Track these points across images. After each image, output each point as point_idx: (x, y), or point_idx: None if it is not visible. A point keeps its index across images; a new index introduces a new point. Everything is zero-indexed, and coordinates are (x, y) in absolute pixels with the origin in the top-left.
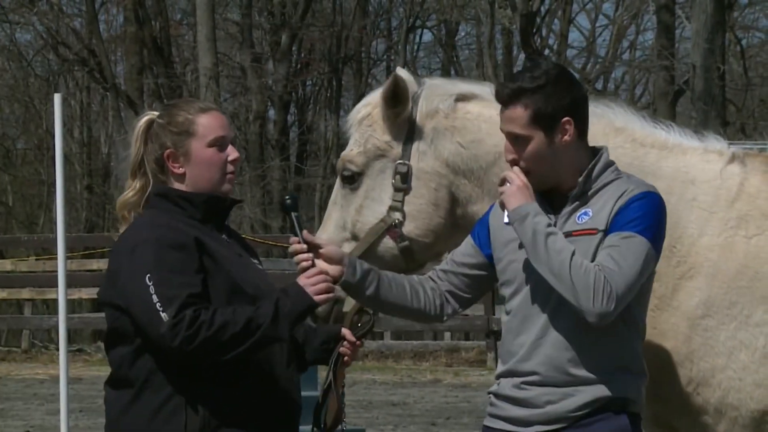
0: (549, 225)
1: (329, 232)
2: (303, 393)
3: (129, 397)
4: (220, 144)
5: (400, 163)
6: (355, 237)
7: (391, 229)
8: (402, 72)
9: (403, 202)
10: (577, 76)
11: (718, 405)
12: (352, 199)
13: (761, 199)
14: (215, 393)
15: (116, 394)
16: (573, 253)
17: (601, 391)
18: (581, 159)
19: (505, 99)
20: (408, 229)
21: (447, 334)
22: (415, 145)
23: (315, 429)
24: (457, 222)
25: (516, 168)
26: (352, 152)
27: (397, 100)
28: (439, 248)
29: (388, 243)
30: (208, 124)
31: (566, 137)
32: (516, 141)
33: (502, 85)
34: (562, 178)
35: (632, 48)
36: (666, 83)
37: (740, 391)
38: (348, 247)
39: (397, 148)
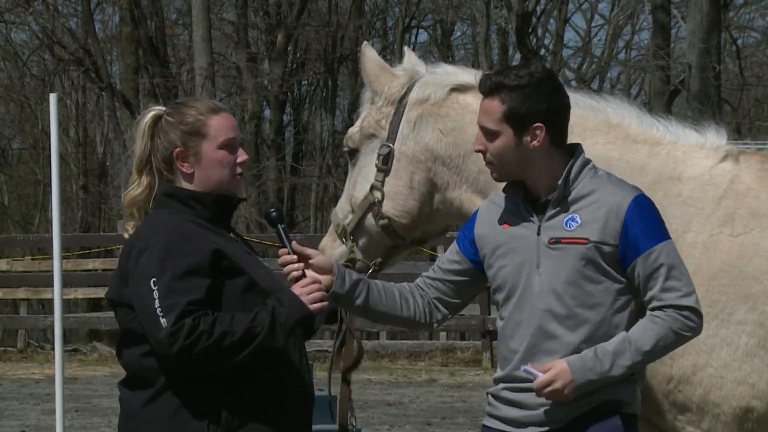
0: (593, 356)
1: (341, 202)
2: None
3: (148, 396)
4: (230, 146)
5: (383, 145)
6: (352, 210)
7: (373, 206)
8: (368, 49)
9: (383, 182)
10: (572, 76)
11: (700, 403)
12: (352, 173)
13: (750, 198)
14: (236, 392)
15: (133, 394)
16: (635, 338)
17: (596, 393)
18: (555, 166)
19: (485, 91)
20: (385, 208)
21: (442, 334)
22: (400, 129)
23: (333, 369)
24: (435, 207)
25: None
26: (353, 129)
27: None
28: (423, 230)
29: (371, 220)
30: (219, 125)
31: (535, 142)
32: (487, 135)
33: (486, 76)
34: (533, 181)
35: (628, 48)
36: (662, 83)
37: (722, 389)
38: (350, 218)
39: (386, 130)
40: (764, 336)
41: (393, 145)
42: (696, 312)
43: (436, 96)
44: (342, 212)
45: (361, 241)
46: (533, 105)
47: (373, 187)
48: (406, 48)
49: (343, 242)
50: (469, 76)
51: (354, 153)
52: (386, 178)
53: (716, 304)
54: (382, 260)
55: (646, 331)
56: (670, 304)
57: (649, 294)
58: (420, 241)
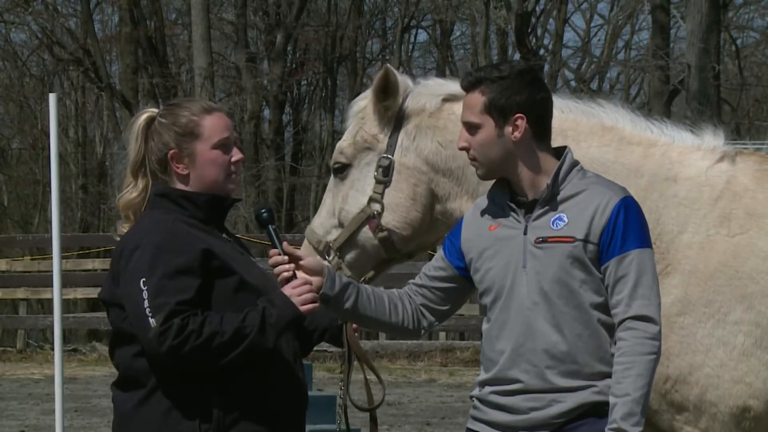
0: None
1: (322, 218)
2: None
3: (140, 398)
4: (224, 145)
5: (383, 157)
6: (341, 224)
7: (370, 219)
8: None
9: (383, 194)
10: (572, 76)
11: (697, 402)
12: (341, 188)
13: (747, 198)
14: (227, 391)
15: (125, 396)
16: (624, 391)
17: (585, 397)
18: (540, 163)
19: (467, 86)
20: (386, 220)
21: (442, 334)
22: (399, 141)
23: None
24: (435, 217)
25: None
26: (344, 143)
27: (387, 93)
28: (420, 241)
29: (367, 233)
30: (212, 125)
31: (516, 133)
32: (470, 129)
33: (467, 73)
34: (517, 178)
35: (627, 48)
36: (661, 83)
37: (718, 388)
38: (335, 234)
39: (383, 142)
40: (761, 335)
41: (392, 156)
42: (654, 321)
43: (430, 105)
44: (323, 228)
45: (350, 256)
46: (513, 95)
47: (371, 200)
48: (387, 65)
49: (325, 258)
50: (456, 86)
51: (345, 167)
52: (386, 190)
53: (712, 304)
54: (374, 275)
55: (626, 378)
56: (634, 315)
57: (616, 298)
58: (409, 255)
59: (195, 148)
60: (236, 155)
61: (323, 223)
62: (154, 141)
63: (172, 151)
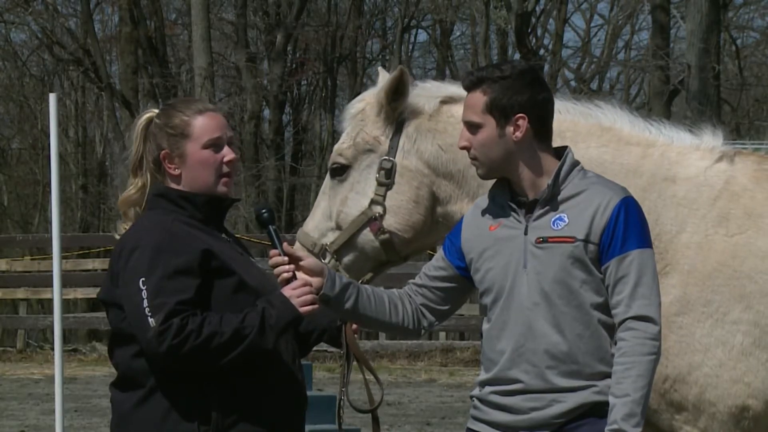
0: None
1: (316, 220)
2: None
3: (138, 398)
4: (215, 145)
5: (385, 159)
6: (339, 227)
7: (372, 221)
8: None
9: (385, 196)
10: (572, 76)
11: (696, 402)
12: (339, 190)
13: (746, 198)
14: (226, 392)
15: (124, 396)
16: (624, 392)
17: (585, 397)
18: (541, 163)
19: (468, 85)
20: (388, 222)
21: (442, 334)
22: (400, 143)
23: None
24: (436, 220)
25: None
26: (343, 145)
27: (398, 93)
28: (419, 244)
29: (368, 235)
30: (203, 125)
31: (518, 133)
32: (471, 128)
33: (468, 72)
34: (518, 177)
35: (627, 48)
36: (661, 83)
37: (717, 388)
38: (332, 237)
39: (385, 144)
40: (759, 335)
41: (394, 159)
42: (654, 322)
43: (429, 107)
44: (319, 231)
45: (347, 259)
46: (514, 95)
47: (373, 202)
48: (380, 68)
49: (321, 261)
50: (457, 88)
51: (344, 169)
52: (388, 192)
53: (711, 303)
54: (371, 277)
55: (626, 378)
56: (634, 315)
57: (616, 298)
58: (406, 258)
59: (185, 148)
60: (228, 155)
61: (318, 226)
62: (151, 142)
63: (164, 151)
